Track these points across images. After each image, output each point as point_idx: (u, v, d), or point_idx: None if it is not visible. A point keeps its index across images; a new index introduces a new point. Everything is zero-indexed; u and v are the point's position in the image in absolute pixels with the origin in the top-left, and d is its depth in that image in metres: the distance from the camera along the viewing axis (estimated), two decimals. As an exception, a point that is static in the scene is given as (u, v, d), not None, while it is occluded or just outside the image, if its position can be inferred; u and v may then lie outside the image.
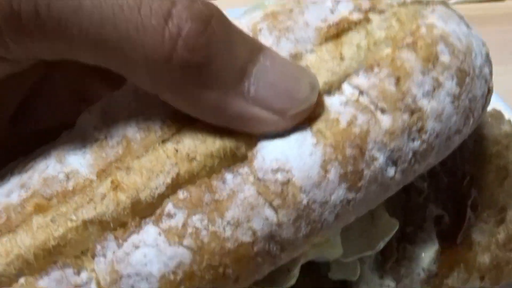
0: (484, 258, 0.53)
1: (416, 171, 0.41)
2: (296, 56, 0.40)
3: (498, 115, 0.57)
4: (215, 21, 0.34)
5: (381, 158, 0.39)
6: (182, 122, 0.39)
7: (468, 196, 0.53)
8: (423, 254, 0.50)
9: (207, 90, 0.35)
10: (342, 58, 0.40)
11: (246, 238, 0.37)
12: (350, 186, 0.38)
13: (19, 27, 0.33)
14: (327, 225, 0.39)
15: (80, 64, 0.37)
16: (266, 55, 0.37)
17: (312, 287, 0.47)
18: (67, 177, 0.38)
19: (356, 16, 0.41)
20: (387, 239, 0.47)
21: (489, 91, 0.45)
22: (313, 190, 0.37)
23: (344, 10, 0.41)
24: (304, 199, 0.37)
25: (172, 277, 0.36)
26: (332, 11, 0.41)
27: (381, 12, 0.42)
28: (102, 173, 0.38)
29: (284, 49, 0.40)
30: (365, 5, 0.41)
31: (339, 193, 0.38)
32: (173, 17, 0.33)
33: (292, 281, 0.43)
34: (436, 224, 0.52)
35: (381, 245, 0.47)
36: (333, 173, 0.38)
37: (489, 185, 0.54)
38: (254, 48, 0.37)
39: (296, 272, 0.43)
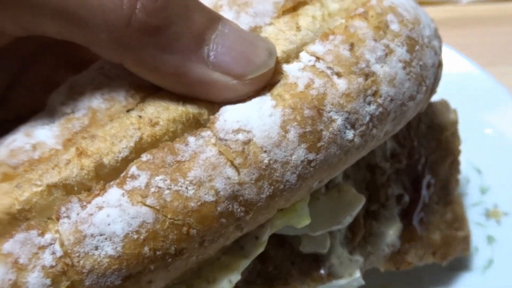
0: (436, 236, 0.55)
1: (374, 136, 0.43)
2: (255, 29, 0.42)
3: (445, 104, 0.61)
4: None
5: (339, 120, 0.40)
6: (146, 92, 0.40)
7: (423, 177, 0.55)
8: (387, 231, 0.51)
9: (166, 54, 0.37)
10: (298, 29, 0.42)
11: (209, 197, 0.37)
12: (310, 146, 0.39)
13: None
14: (290, 186, 0.40)
15: (53, 55, 0.38)
16: (225, 23, 0.39)
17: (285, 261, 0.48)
18: (34, 147, 0.39)
19: None
20: (354, 213, 0.48)
21: (440, 65, 0.47)
22: (274, 149, 0.38)
23: None
24: (265, 158, 0.38)
25: (135, 236, 0.36)
26: None
27: None
28: (67, 143, 0.39)
29: (243, 23, 0.42)
30: None
31: (299, 153, 0.39)
32: None
33: (261, 249, 0.43)
34: (398, 203, 0.53)
35: (349, 219, 0.48)
36: (292, 133, 0.39)
37: (440, 168, 0.56)
38: (212, 17, 0.39)
39: (264, 239, 0.43)
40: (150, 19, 0.35)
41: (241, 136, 0.38)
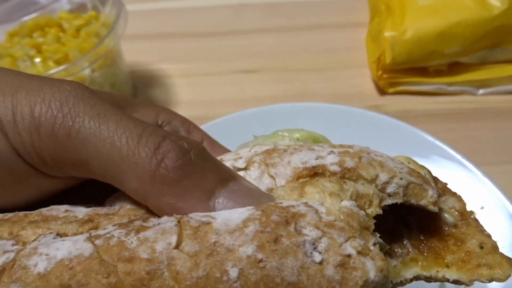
0: None
1: None
2: (271, 190, 0.46)
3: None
4: (194, 153, 0.46)
5: (308, 237, 0.37)
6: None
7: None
8: None
9: (180, 202, 0.44)
10: (301, 195, 0.44)
11: (144, 254, 0.37)
12: (262, 245, 0.37)
13: (64, 166, 0.47)
14: (227, 279, 0.36)
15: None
16: (236, 181, 0.45)
17: None
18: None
19: (333, 169, 0.46)
20: None
21: None
22: (224, 235, 0.38)
23: (327, 159, 0.47)
24: (213, 239, 0.38)
25: (67, 262, 0.38)
26: (317, 158, 0.47)
27: (357, 180, 0.46)
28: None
29: (264, 183, 0.47)
30: (349, 164, 0.46)
31: (248, 248, 0.37)
32: (160, 148, 0.45)
33: None
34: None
35: None
36: (251, 228, 0.38)
37: None
38: (226, 176, 0.46)
39: None
40: (169, 174, 0.44)
41: (205, 219, 0.39)
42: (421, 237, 0.52)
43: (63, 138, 0.44)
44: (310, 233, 0.38)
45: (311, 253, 0.37)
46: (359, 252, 0.38)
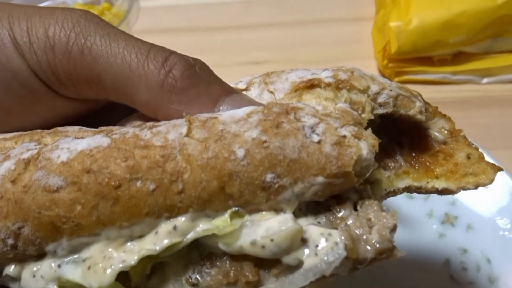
0: None
1: None
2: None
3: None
4: (198, 67, 0.49)
5: (306, 122, 0.40)
6: None
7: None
8: None
9: (187, 109, 0.47)
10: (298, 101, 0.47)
11: (157, 142, 0.41)
12: (265, 129, 0.40)
13: (78, 84, 0.50)
14: (235, 159, 0.39)
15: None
16: (238, 94, 0.49)
17: None
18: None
19: (328, 80, 0.49)
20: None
21: None
22: (231, 124, 0.41)
23: (322, 74, 0.50)
24: (220, 127, 0.41)
25: (87, 152, 0.41)
26: (312, 74, 0.50)
27: (350, 89, 0.49)
28: None
29: (264, 99, 0.51)
30: (342, 76, 0.50)
31: (253, 132, 0.40)
32: (168, 60, 0.48)
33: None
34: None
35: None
36: (254, 118, 0.42)
37: None
38: (229, 89, 0.49)
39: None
40: (177, 83, 0.47)
41: (211, 115, 0.43)
42: (412, 154, 0.55)
43: (77, 55, 0.47)
44: (309, 120, 0.41)
45: (310, 135, 0.40)
46: (353, 135, 0.40)
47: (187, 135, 0.40)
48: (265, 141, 0.40)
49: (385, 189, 0.53)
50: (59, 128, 0.49)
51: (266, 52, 1.40)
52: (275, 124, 0.41)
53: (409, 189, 0.55)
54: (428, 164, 0.55)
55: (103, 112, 0.55)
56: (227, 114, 0.43)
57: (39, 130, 0.49)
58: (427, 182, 0.55)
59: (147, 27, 1.43)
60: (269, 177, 0.40)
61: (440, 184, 0.54)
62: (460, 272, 0.79)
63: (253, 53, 1.39)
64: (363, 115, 0.47)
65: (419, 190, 0.55)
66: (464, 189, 0.55)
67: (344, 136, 0.41)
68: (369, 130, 0.43)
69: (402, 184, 0.54)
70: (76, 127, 0.49)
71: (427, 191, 0.55)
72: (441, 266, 0.80)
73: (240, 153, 0.39)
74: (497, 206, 0.81)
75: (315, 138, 0.40)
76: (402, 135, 0.57)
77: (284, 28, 1.47)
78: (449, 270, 0.80)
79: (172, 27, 1.51)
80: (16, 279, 0.42)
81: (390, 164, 0.55)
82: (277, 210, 0.41)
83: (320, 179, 0.40)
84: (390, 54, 1.26)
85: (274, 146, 0.40)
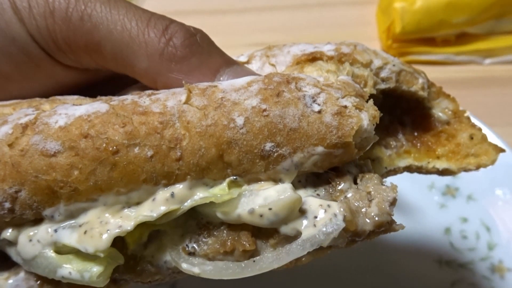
0: None
1: None
2: None
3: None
4: (199, 36, 0.48)
5: (308, 92, 0.40)
6: None
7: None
8: None
9: (187, 78, 0.46)
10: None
11: (156, 109, 0.40)
12: (266, 98, 0.40)
13: (77, 51, 0.49)
14: (234, 127, 0.38)
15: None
16: (238, 65, 0.48)
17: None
18: None
19: (330, 53, 0.48)
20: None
21: None
22: (230, 92, 0.41)
23: (324, 48, 0.49)
24: (219, 95, 0.40)
25: (85, 117, 0.41)
26: (314, 47, 0.49)
27: (353, 63, 0.48)
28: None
29: (265, 72, 0.50)
30: (345, 50, 0.49)
31: (253, 100, 0.40)
32: (168, 28, 0.48)
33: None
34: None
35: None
36: (254, 87, 0.41)
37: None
38: (229, 60, 0.49)
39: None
40: (177, 51, 0.47)
41: (211, 84, 0.42)
42: (415, 133, 0.55)
43: (76, 21, 0.46)
44: (310, 90, 0.41)
45: (311, 104, 0.40)
46: (354, 106, 0.40)
47: (186, 102, 0.40)
48: (265, 110, 0.39)
49: (386, 168, 0.52)
50: (58, 97, 0.48)
51: (270, 34, 1.40)
52: (276, 93, 0.40)
53: (409, 169, 0.55)
54: (430, 144, 0.55)
55: (103, 85, 0.54)
56: (227, 83, 0.42)
57: (37, 98, 0.48)
58: (428, 162, 0.54)
59: (154, 9, 1.42)
60: (268, 146, 0.39)
61: (441, 165, 0.54)
62: (460, 240, 0.82)
63: (258, 35, 1.39)
64: (365, 89, 0.47)
65: (420, 170, 0.55)
66: (465, 170, 0.54)
67: (345, 107, 0.40)
68: (371, 101, 0.42)
69: (403, 163, 0.54)
70: (75, 96, 0.49)
71: (428, 171, 0.54)
72: (442, 234, 0.83)
73: (240, 121, 0.39)
74: (497, 177, 0.83)
75: (316, 107, 0.40)
76: (404, 114, 0.57)
77: (289, 10, 1.47)
78: (450, 238, 0.82)
79: (179, 10, 1.51)
80: (13, 243, 0.41)
81: (391, 143, 0.54)
82: (276, 180, 0.41)
83: (320, 149, 0.40)
84: (395, 34, 1.27)
85: (274, 114, 0.39)
